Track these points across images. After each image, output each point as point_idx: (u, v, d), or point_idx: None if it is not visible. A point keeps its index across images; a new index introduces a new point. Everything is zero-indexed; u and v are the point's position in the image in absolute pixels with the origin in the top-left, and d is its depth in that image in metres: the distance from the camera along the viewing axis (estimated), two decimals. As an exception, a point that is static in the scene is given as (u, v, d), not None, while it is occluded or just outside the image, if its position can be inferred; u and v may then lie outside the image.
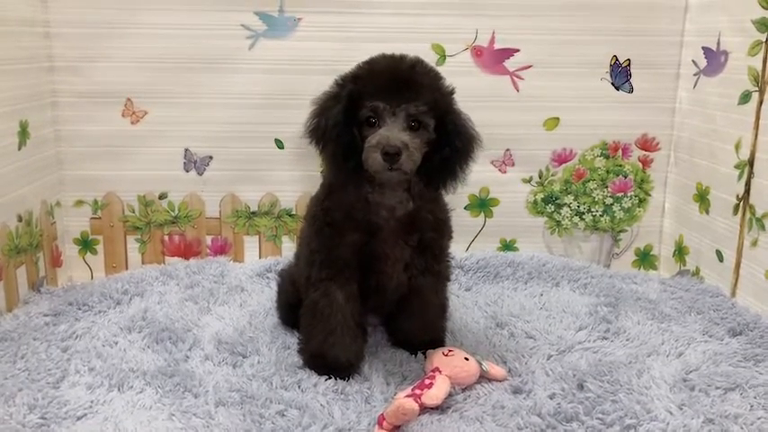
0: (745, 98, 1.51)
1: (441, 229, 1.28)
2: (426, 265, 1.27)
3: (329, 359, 1.22)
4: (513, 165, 1.81)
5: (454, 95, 1.22)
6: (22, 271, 1.55)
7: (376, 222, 1.21)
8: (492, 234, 1.85)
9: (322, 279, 1.22)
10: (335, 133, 1.17)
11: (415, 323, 1.31)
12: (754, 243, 1.49)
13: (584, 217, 1.85)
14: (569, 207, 1.84)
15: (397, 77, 1.16)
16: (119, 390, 1.17)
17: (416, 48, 1.67)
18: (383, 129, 1.14)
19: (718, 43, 1.61)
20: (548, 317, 1.49)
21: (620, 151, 1.81)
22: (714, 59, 1.63)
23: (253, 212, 1.81)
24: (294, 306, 1.32)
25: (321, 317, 1.22)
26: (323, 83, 1.69)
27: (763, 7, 1.46)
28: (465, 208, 1.83)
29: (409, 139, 1.13)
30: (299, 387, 1.18)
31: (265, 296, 1.57)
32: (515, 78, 1.75)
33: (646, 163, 1.82)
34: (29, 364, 1.24)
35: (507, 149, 1.80)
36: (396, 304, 1.31)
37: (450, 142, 1.19)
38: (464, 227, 1.83)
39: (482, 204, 1.83)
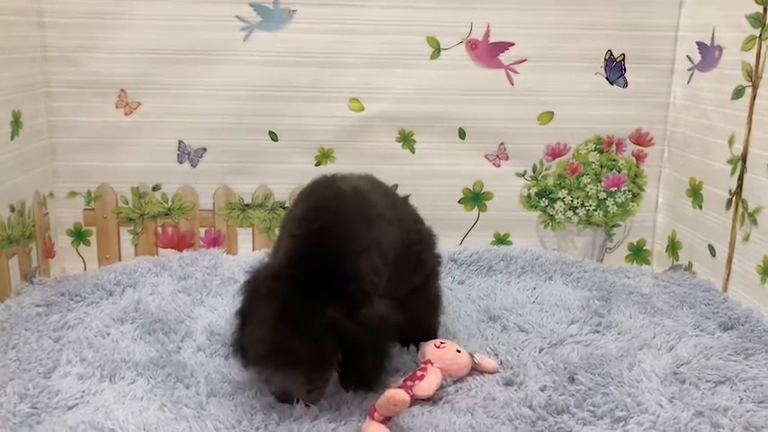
0: (739, 93, 1.52)
1: (420, 241, 1.27)
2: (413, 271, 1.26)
3: None
4: (507, 159, 1.81)
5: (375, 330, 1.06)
6: (15, 261, 1.55)
7: None
8: (485, 228, 1.85)
9: None
10: None
11: (407, 316, 1.31)
12: (746, 238, 1.50)
13: (577, 211, 1.85)
14: (563, 201, 1.84)
15: (275, 344, 1.00)
16: (110, 380, 1.17)
17: (411, 40, 1.70)
18: (275, 378, 1.08)
19: (713, 38, 1.61)
20: (540, 310, 1.49)
21: (613, 146, 1.81)
22: (708, 54, 1.63)
23: (246, 205, 1.81)
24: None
25: None
26: (317, 75, 1.72)
27: (757, 2, 1.46)
28: (459, 201, 1.83)
29: (305, 391, 1.07)
30: (290, 378, 1.18)
31: (258, 288, 1.57)
32: (510, 72, 1.75)
33: (639, 158, 1.83)
34: (20, 354, 1.23)
35: (501, 143, 1.80)
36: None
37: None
38: (458, 220, 1.83)
39: (476, 198, 1.83)
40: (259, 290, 1.06)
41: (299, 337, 0.99)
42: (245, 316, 1.08)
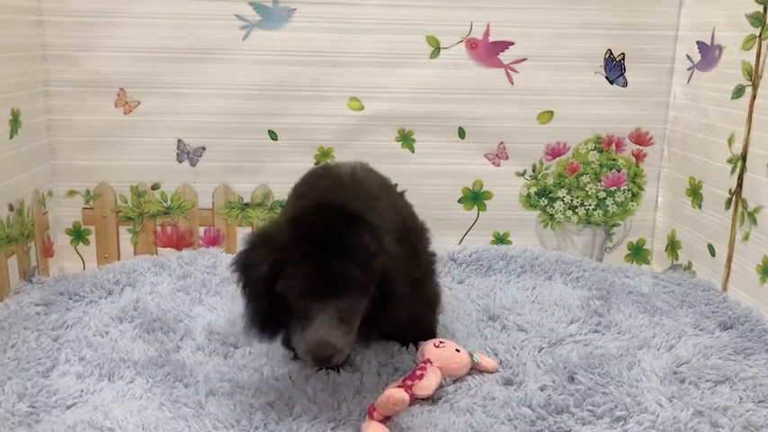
0: (739, 93, 1.52)
1: (414, 231, 1.26)
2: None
3: None
4: (506, 158, 1.81)
5: (401, 259, 1.07)
6: (14, 261, 1.54)
7: None
8: (485, 227, 1.85)
9: None
10: (256, 307, 1.08)
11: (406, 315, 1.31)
12: (746, 237, 1.50)
13: (577, 211, 1.85)
14: (562, 201, 1.84)
15: (321, 271, 1.00)
16: (109, 379, 1.17)
17: (411, 39, 1.70)
18: (311, 328, 1.02)
19: (713, 38, 1.61)
20: (540, 310, 1.49)
21: (613, 145, 1.81)
22: (708, 54, 1.63)
23: (246, 204, 1.80)
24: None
25: None
26: (317, 74, 1.71)
27: (757, 2, 1.46)
28: (458, 201, 1.83)
29: (342, 335, 1.03)
30: (289, 378, 1.18)
31: (258, 287, 1.57)
32: (510, 71, 1.75)
33: (639, 157, 1.82)
34: (19, 354, 1.23)
35: (501, 142, 1.80)
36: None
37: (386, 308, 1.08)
38: (457, 220, 1.83)
39: (475, 197, 1.83)
40: (274, 245, 1.04)
41: (347, 261, 1.00)
42: (265, 278, 1.04)
